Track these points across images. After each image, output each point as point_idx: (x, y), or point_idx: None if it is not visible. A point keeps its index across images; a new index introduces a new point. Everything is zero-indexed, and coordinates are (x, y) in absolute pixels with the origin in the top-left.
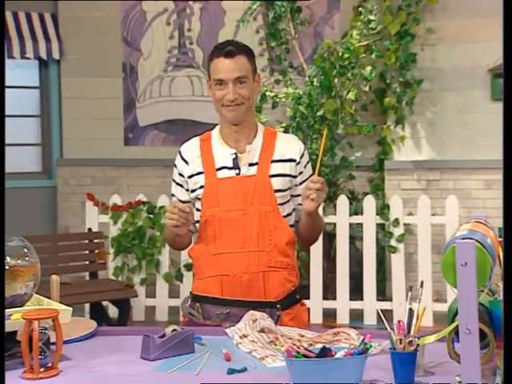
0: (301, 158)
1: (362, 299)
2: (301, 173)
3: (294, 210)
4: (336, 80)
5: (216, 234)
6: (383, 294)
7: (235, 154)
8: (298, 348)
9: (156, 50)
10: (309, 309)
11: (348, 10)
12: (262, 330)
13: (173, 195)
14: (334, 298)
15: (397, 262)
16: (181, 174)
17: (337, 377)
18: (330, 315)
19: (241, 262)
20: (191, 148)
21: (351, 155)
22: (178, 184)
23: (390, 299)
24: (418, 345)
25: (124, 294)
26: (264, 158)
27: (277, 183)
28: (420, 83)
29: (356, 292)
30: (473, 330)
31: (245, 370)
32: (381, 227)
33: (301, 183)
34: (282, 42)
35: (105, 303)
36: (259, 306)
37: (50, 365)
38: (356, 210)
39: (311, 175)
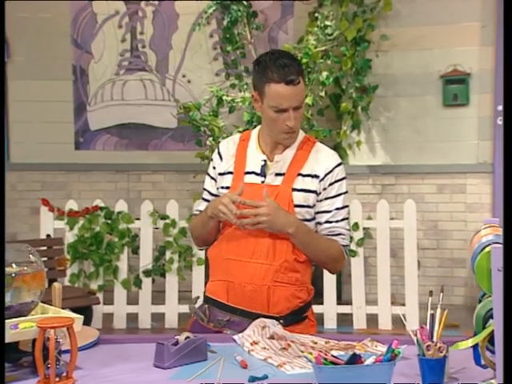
0: (326, 174)
1: (322, 303)
2: (324, 189)
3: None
4: None
5: (230, 238)
6: (339, 297)
7: (264, 161)
8: (326, 355)
9: (107, 52)
10: None
11: (302, 15)
12: (271, 337)
13: (204, 189)
14: None
15: (356, 265)
16: (214, 168)
17: (366, 383)
18: None
19: (246, 272)
20: (229, 145)
21: None
22: (211, 178)
23: (348, 303)
24: (447, 351)
25: (86, 301)
26: (292, 170)
27: (299, 198)
28: (375, 89)
29: (316, 296)
30: None
31: (266, 377)
32: None
33: (321, 200)
34: (238, 46)
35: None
36: (259, 318)
37: (64, 374)
38: None
39: (340, 194)
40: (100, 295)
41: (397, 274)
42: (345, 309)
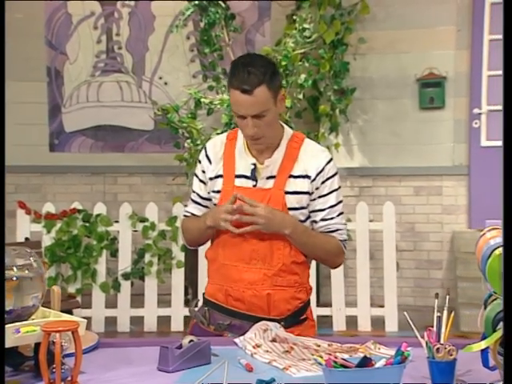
0: (317, 174)
1: None
2: (317, 188)
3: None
4: None
5: (226, 243)
6: (318, 299)
7: (254, 164)
8: (336, 358)
9: (83, 54)
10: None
11: (279, 18)
12: (273, 340)
13: (193, 191)
14: None
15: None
16: (204, 172)
17: None
18: None
19: (245, 278)
20: (217, 146)
21: None
22: (200, 181)
23: (327, 305)
24: (457, 353)
25: (67, 305)
26: (282, 172)
27: (292, 201)
28: (353, 91)
29: None
30: None
31: (273, 380)
32: None
33: (315, 199)
34: (216, 48)
35: None
36: (261, 321)
37: (69, 379)
38: None
39: (333, 191)
40: (78, 299)
41: (375, 276)
42: (324, 311)
